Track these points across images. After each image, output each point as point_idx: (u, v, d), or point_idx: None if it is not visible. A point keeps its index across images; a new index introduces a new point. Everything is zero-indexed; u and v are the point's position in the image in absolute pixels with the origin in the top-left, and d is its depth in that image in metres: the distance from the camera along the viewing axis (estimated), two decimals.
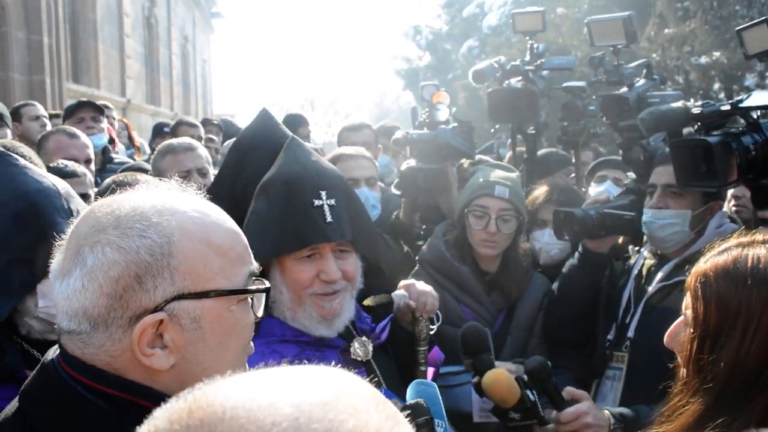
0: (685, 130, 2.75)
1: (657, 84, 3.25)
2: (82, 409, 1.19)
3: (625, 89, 3.22)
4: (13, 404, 1.30)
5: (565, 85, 3.99)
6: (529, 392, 2.34)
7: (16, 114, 5.62)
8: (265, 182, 2.13)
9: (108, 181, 3.19)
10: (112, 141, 5.65)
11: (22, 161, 2.03)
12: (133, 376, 1.20)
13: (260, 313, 1.34)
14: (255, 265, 1.33)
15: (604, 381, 2.89)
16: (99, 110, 5.38)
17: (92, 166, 4.10)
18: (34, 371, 1.31)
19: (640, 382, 2.71)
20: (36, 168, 2.04)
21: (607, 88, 3.41)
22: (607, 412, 2.40)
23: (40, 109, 5.75)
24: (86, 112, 5.27)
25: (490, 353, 2.45)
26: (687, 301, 1.55)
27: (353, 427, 0.60)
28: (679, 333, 1.58)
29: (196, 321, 1.21)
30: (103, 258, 1.16)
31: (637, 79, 3.26)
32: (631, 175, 3.22)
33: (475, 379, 2.43)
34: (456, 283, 3.10)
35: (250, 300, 1.31)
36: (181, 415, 0.62)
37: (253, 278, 1.32)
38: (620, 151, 3.32)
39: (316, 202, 2.05)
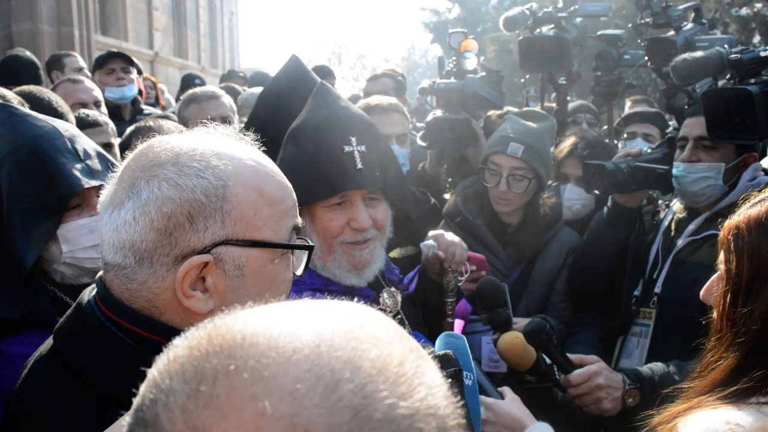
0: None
1: (705, 28, 3.12)
2: (115, 349, 1.21)
3: (672, 32, 3.10)
4: (48, 343, 1.34)
5: (600, 33, 3.87)
6: (544, 356, 2.32)
7: (59, 63, 5.66)
8: (294, 129, 2.10)
9: (133, 127, 3.19)
10: (140, 93, 5.67)
11: (21, 109, 2.01)
12: (171, 316, 1.21)
13: (299, 272, 1.35)
14: (299, 221, 1.33)
15: (630, 337, 2.85)
16: (129, 61, 5.41)
17: (103, 108, 4.15)
18: (70, 310, 1.33)
19: (668, 338, 2.67)
20: (36, 114, 2.02)
21: (654, 31, 3.29)
22: (620, 373, 2.34)
23: (81, 61, 5.79)
24: (116, 63, 5.30)
25: (507, 308, 2.43)
26: (721, 255, 1.51)
27: (376, 357, 0.59)
28: (714, 287, 1.54)
29: (240, 269, 1.21)
30: (159, 193, 1.16)
31: (685, 22, 3.13)
32: (674, 123, 3.11)
33: (495, 336, 2.42)
34: (472, 236, 3.08)
35: (291, 256, 1.31)
36: (201, 342, 0.61)
37: (296, 235, 1.32)
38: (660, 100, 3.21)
39: (347, 149, 2.01)
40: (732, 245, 1.47)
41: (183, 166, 1.18)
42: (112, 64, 5.27)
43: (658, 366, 2.41)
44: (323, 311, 0.65)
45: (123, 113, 5.20)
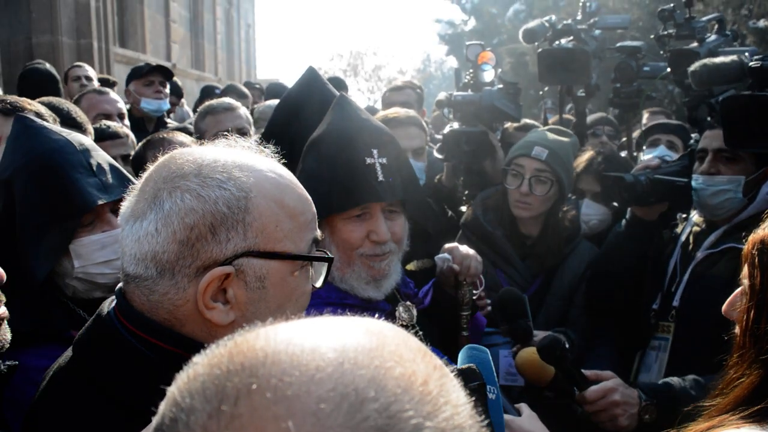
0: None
1: (729, 40, 3.10)
2: (134, 361, 1.21)
3: (695, 44, 3.08)
4: (67, 354, 1.34)
5: (619, 44, 3.86)
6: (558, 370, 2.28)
7: (66, 76, 5.75)
8: (315, 140, 2.10)
9: (146, 139, 3.21)
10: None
11: (37, 121, 2.01)
12: (192, 328, 1.21)
13: (319, 284, 1.34)
14: (319, 233, 1.33)
15: (649, 352, 2.82)
16: (169, 76, 5.52)
17: (126, 121, 4.18)
18: (89, 322, 1.33)
19: (687, 352, 2.64)
20: (51, 126, 2.01)
21: (676, 43, 3.26)
22: (636, 389, 2.30)
23: (83, 71, 5.92)
24: (157, 76, 5.38)
25: (528, 319, 2.40)
26: (744, 269, 1.47)
27: (400, 375, 0.58)
28: (737, 302, 1.51)
29: (261, 280, 1.21)
30: (181, 204, 1.17)
31: (708, 34, 3.11)
32: (695, 136, 3.07)
33: (515, 348, 2.39)
34: (491, 247, 3.06)
35: (310, 268, 1.31)
36: (221, 360, 0.60)
37: (315, 247, 1.31)
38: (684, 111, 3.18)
39: (368, 161, 2.01)
40: (756, 260, 1.43)
41: (206, 178, 1.18)
42: (152, 76, 5.35)
43: (675, 380, 2.37)
44: (345, 328, 0.63)
45: (147, 125, 5.27)
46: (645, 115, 5.33)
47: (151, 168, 1.27)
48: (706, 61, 2.60)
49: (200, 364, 0.62)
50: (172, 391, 0.61)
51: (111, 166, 2.00)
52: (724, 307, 1.59)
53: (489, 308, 2.64)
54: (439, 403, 0.58)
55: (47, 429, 1.26)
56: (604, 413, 2.23)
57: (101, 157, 2.01)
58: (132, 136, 3.62)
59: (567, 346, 2.59)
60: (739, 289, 1.53)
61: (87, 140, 2.03)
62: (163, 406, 0.61)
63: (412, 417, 0.55)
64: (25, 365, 1.73)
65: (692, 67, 2.60)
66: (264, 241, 1.20)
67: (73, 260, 1.90)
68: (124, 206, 1.26)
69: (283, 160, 1.34)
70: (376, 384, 0.56)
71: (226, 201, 1.17)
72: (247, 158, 1.25)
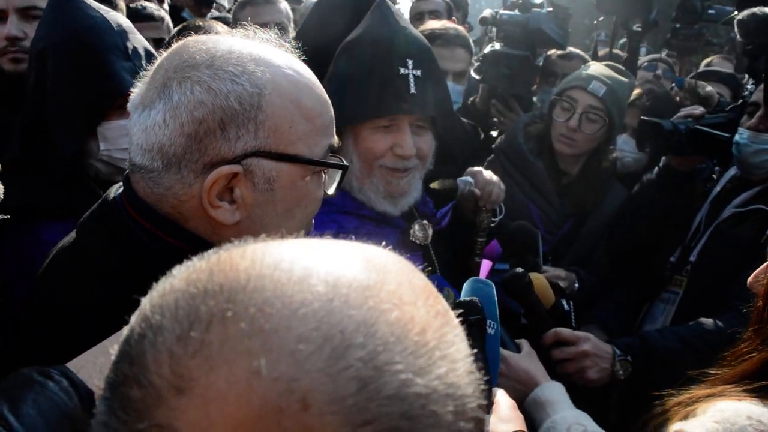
0: None
1: None
2: (137, 250, 1.19)
3: None
4: (72, 236, 1.33)
5: None
6: (564, 302, 2.25)
7: None
8: (349, 43, 2.02)
9: (181, 25, 3.12)
10: None
11: None
12: (195, 224, 1.18)
13: (331, 191, 1.30)
14: (335, 139, 1.27)
15: (657, 303, 2.76)
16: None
17: (165, 5, 4.03)
18: (95, 206, 1.31)
19: (694, 308, 2.58)
20: (92, 2, 1.95)
21: None
22: (610, 345, 2.21)
23: None
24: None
25: (537, 256, 2.36)
26: None
27: (395, 320, 0.52)
28: (761, 276, 1.46)
29: (270, 182, 1.16)
30: (191, 96, 1.11)
31: None
32: (751, 87, 2.89)
33: None
34: (529, 179, 2.95)
35: (323, 174, 1.26)
36: (200, 276, 0.54)
37: (330, 153, 1.26)
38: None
39: (402, 71, 1.93)
40: None
41: (218, 70, 1.12)
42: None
43: (651, 333, 2.32)
44: (343, 258, 0.56)
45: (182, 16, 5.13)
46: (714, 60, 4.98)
47: (163, 54, 1.20)
48: (756, 10, 2.42)
49: (177, 277, 0.56)
50: (145, 303, 0.56)
51: (147, 51, 1.95)
52: (749, 279, 1.54)
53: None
54: (434, 357, 0.52)
55: (47, 306, 1.26)
56: (572, 364, 2.14)
57: (138, 41, 1.95)
58: (168, 20, 3.51)
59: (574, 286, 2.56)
60: (766, 263, 1.48)
61: (125, 21, 1.96)
62: (133, 319, 0.56)
63: (400, 371, 0.49)
64: (42, 239, 1.76)
65: (739, 16, 2.42)
66: (276, 142, 1.15)
67: (99, 142, 1.88)
68: (134, 93, 1.21)
69: (304, 58, 1.26)
70: (367, 328, 0.50)
71: (238, 96, 1.11)
72: (265, 52, 1.18)
